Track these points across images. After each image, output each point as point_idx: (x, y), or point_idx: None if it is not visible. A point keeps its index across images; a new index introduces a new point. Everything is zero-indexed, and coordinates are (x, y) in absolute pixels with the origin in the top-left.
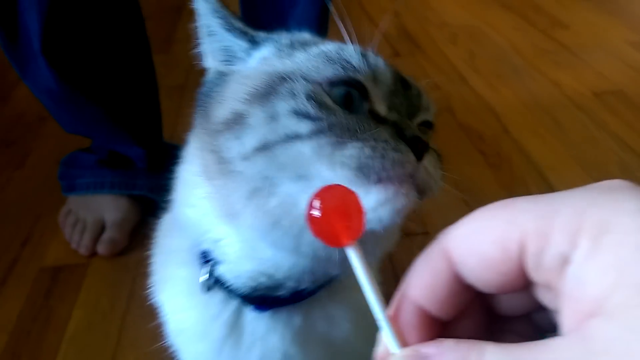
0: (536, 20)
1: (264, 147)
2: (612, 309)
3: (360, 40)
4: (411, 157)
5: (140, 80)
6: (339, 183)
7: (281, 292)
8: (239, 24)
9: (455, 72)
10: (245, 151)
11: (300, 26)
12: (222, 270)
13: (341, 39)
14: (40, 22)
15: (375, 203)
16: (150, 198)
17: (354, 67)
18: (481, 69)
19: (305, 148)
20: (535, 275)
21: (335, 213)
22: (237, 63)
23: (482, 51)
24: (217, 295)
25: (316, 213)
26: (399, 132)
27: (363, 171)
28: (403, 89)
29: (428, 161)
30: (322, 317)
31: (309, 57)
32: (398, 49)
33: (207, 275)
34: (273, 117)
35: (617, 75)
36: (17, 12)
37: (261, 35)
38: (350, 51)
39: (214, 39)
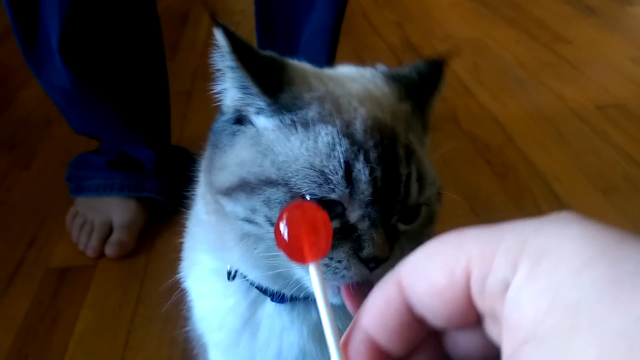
0: (539, 35)
1: (251, 221)
2: (543, 333)
3: (366, 51)
4: (363, 271)
5: (153, 83)
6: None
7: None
8: (256, 87)
9: (460, 83)
10: (237, 215)
11: (314, 32)
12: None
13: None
14: (60, 21)
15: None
16: (158, 201)
17: (333, 185)
18: (485, 81)
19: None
20: (480, 302)
21: (303, 227)
22: (250, 109)
23: (486, 64)
24: (237, 286)
25: (282, 226)
26: (358, 250)
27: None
28: (386, 191)
29: (386, 268)
30: (340, 313)
31: (300, 152)
32: (402, 60)
33: (230, 267)
34: (253, 211)
35: (619, 89)
36: (37, 11)
37: (273, 104)
38: (335, 164)
39: (231, 83)
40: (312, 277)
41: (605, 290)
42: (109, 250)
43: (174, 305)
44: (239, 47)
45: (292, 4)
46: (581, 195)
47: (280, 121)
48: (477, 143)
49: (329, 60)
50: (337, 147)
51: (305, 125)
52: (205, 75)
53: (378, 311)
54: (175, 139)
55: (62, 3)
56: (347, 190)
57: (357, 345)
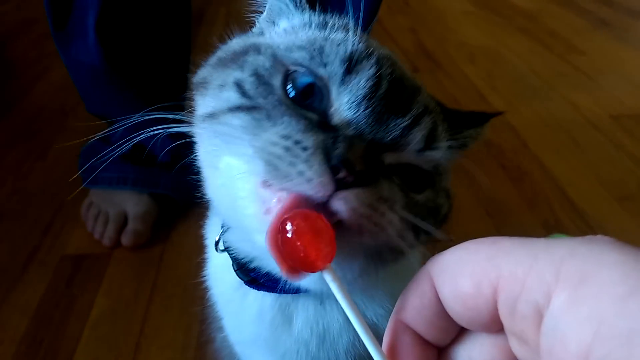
0: (552, 45)
1: (212, 115)
2: None
3: None
4: (324, 179)
5: (177, 73)
6: (253, 169)
7: (263, 271)
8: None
9: (474, 90)
10: (202, 114)
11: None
12: (226, 237)
13: None
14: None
15: (250, 205)
16: (171, 197)
17: (328, 60)
18: (500, 88)
19: (234, 119)
20: (509, 323)
21: (307, 238)
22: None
23: (500, 71)
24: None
25: (289, 235)
26: (330, 146)
27: (271, 169)
28: (388, 110)
29: (360, 195)
30: (312, 306)
31: (303, 35)
32: (417, 65)
33: (218, 237)
34: (221, 86)
35: (633, 100)
36: None
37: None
38: (340, 49)
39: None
40: (329, 282)
41: None
42: (126, 239)
43: (189, 293)
44: None
45: (324, 2)
46: (596, 202)
47: (299, 20)
48: (491, 148)
49: None
50: (349, 42)
51: (323, 26)
52: None
53: (413, 305)
54: None
55: None
56: (341, 71)
57: (401, 336)
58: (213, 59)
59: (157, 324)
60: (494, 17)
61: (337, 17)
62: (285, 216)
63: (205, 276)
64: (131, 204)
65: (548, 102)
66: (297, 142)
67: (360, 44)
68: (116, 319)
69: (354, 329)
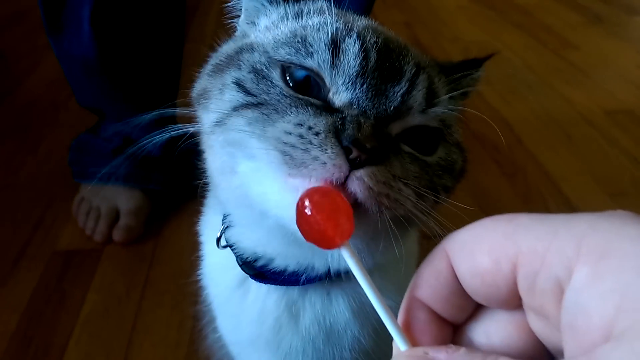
0: (547, 41)
1: (220, 122)
2: (619, 334)
3: None
4: (338, 161)
5: (170, 66)
6: (272, 162)
7: (276, 270)
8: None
9: None
10: (209, 125)
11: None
12: (229, 234)
13: None
14: None
15: (283, 198)
16: (163, 193)
17: (313, 50)
18: (494, 83)
19: (239, 119)
20: (528, 298)
21: (325, 214)
22: (252, 26)
23: (495, 66)
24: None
25: (307, 212)
26: (340, 129)
27: (286, 158)
28: (383, 80)
29: (375, 174)
30: (319, 300)
31: (285, 29)
32: None
33: (220, 233)
34: (222, 89)
35: (627, 96)
36: None
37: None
38: (322, 35)
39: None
40: (347, 258)
41: None
42: (117, 235)
43: (182, 290)
44: None
45: None
46: (589, 197)
47: (277, 15)
48: (485, 143)
49: None
50: (328, 25)
51: (298, 15)
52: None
53: (428, 282)
54: None
55: None
56: (328, 57)
57: (417, 313)
58: (208, 68)
59: (149, 320)
60: (489, 12)
61: (310, 3)
62: (304, 193)
63: (200, 275)
64: (123, 199)
65: (542, 98)
66: (310, 128)
67: (339, 23)
68: (108, 315)
69: (359, 323)
